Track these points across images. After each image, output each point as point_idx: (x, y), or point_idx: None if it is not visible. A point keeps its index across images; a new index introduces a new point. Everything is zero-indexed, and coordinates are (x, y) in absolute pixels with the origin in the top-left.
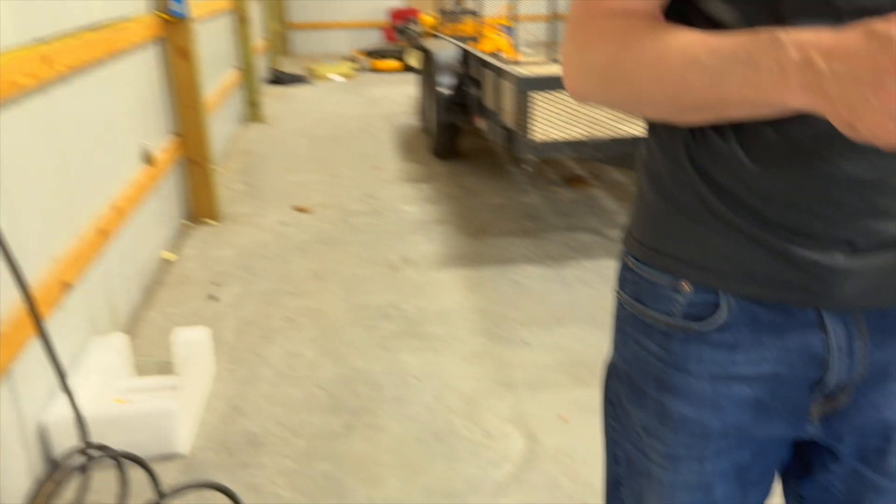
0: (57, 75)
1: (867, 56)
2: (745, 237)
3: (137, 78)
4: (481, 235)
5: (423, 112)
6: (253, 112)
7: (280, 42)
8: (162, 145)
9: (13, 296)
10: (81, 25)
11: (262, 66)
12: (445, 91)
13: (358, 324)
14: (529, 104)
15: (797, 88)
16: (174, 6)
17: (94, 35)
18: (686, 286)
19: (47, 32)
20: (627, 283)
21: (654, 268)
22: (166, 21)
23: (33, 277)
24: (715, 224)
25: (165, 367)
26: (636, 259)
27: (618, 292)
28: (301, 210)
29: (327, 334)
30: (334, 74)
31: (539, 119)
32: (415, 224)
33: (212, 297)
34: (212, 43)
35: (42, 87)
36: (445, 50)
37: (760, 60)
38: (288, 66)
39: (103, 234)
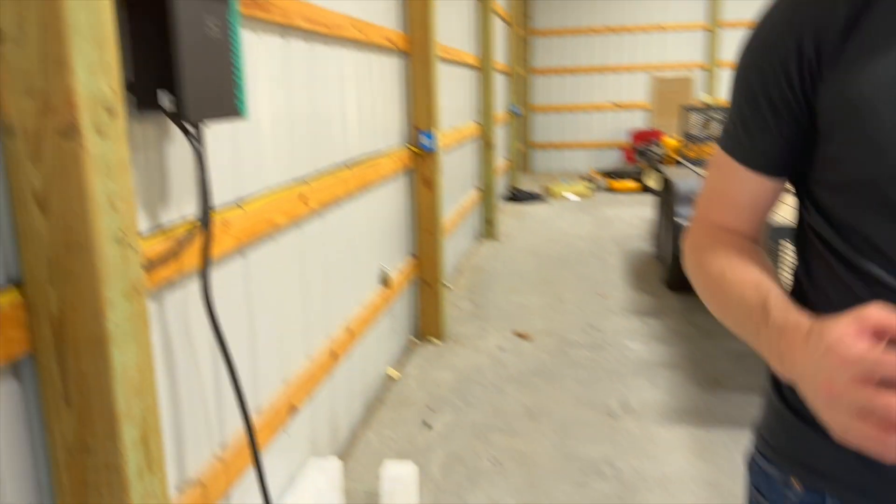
0: (310, 212)
1: (824, 374)
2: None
3: (383, 206)
4: (715, 387)
5: (657, 238)
6: (488, 229)
7: (520, 160)
8: (398, 267)
9: (239, 423)
10: (338, 163)
11: (501, 184)
12: (684, 222)
13: (567, 478)
14: (780, 254)
15: (781, 370)
16: (424, 141)
17: (349, 171)
18: (797, 484)
19: (307, 172)
20: (752, 470)
21: (770, 461)
22: (415, 154)
23: (264, 402)
24: (825, 431)
25: (372, 498)
26: (758, 449)
27: (745, 475)
28: (521, 336)
29: (533, 485)
30: (570, 193)
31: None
32: (639, 364)
33: (425, 424)
34: (456, 168)
35: (296, 223)
36: (687, 179)
37: (760, 332)
38: (526, 184)
39: (334, 356)
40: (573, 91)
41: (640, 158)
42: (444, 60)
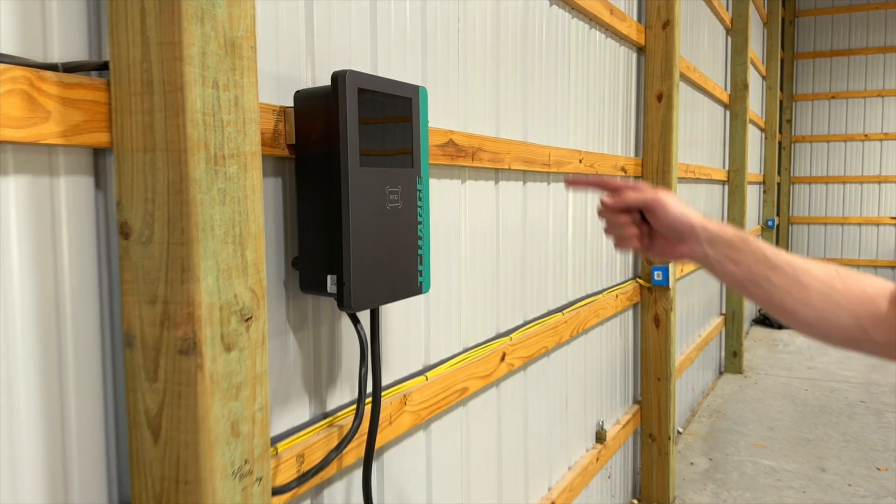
0: (510, 369)
1: None
2: None
3: (600, 349)
4: None
5: None
6: (732, 362)
7: None
8: (617, 417)
9: None
10: (551, 309)
11: (750, 305)
12: None
13: None
14: None
15: None
16: (657, 276)
17: (562, 317)
18: None
19: (510, 326)
20: None
21: None
22: (643, 288)
23: None
24: None
25: None
26: None
27: None
28: None
29: None
30: None
31: None
32: None
33: None
34: (696, 294)
35: (493, 382)
36: None
37: None
38: None
39: None
40: (841, 202)
41: None
42: (685, 180)
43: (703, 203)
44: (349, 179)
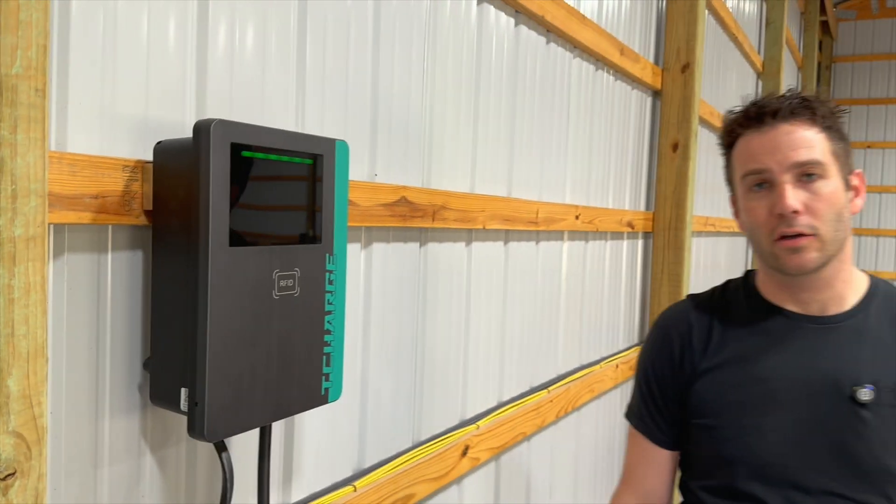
0: (474, 463)
1: None
2: None
3: (595, 430)
4: None
5: None
6: None
7: None
8: None
9: None
10: (535, 387)
11: None
12: None
13: None
14: None
15: None
16: None
17: (547, 396)
18: None
19: (476, 413)
20: None
21: None
22: None
23: None
24: None
25: None
26: None
27: None
28: None
29: None
30: None
31: None
32: None
33: None
34: None
35: (454, 481)
36: None
37: None
38: None
39: None
40: (874, 254)
41: None
42: (703, 234)
43: (724, 257)
44: (210, 264)
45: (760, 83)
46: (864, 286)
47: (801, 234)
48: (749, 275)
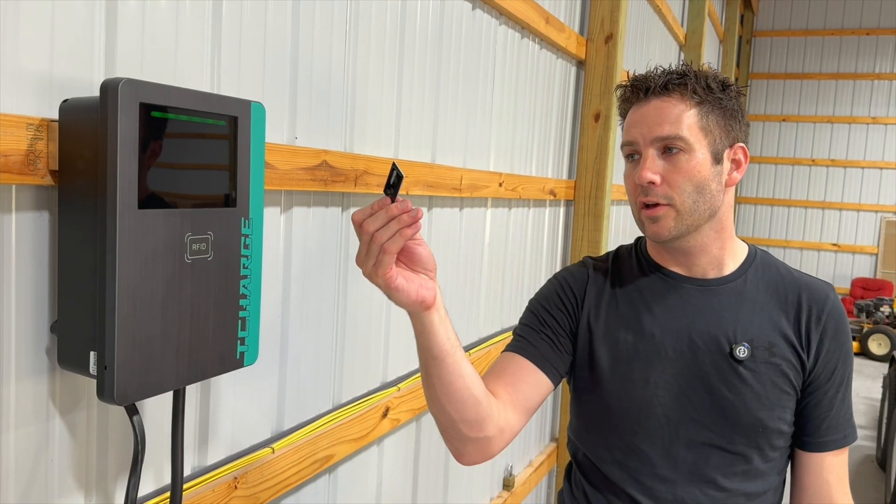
0: (394, 424)
1: None
2: None
3: None
4: None
5: (884, 434)
6: None
7: None
8: (529, 459)
9: None
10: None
11: None
12: None
13: None
14: None
15: None
16: None
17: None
18: None
19: (399, 374)
20: None
21: None
22: None
23: None
24: None
25: None
26: None
27: None
28: None
29: None
30: None
31: None
32: None
33: None
34: None
35: (376, 441)
36: None
37: None
38: None
39: None
40: (785, 224)
41: (861, 316)
42: (622, 202)
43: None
44: (117, 226)
45: (682, 55)
46: (744, 254)
47: (657, 204)
48: (640, 240)
